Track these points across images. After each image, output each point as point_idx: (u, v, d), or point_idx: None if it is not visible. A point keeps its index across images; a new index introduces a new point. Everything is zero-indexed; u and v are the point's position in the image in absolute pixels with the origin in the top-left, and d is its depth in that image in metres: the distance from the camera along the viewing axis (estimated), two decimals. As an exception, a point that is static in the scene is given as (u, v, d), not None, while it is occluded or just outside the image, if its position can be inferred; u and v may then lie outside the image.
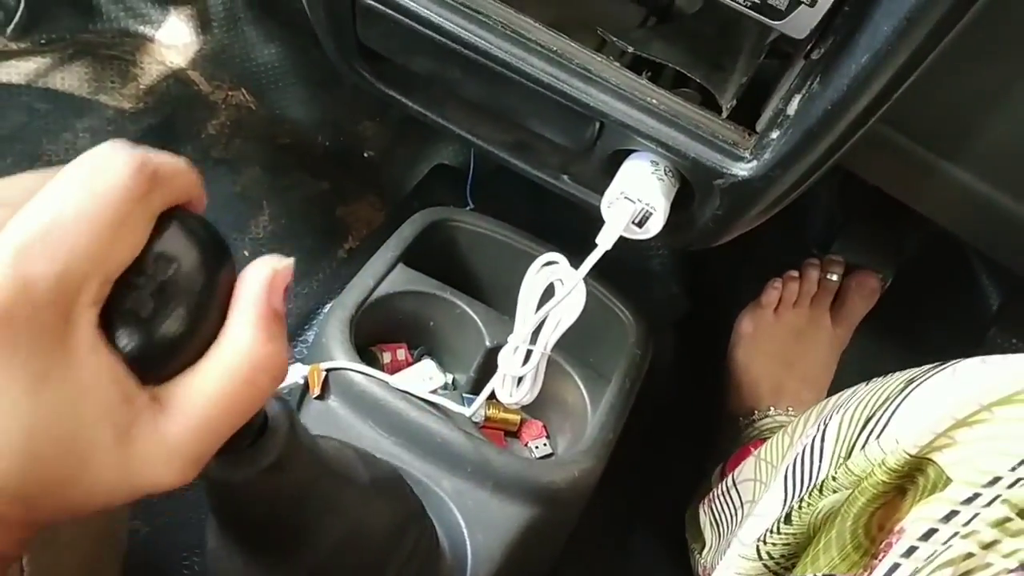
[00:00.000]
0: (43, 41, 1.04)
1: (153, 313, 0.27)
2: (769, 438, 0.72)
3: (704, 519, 0.76)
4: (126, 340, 0.27)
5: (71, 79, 1.02)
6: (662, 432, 0.97)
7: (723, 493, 0.73)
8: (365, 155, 1.09)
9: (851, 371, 0.97)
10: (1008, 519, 0.39)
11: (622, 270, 0.92)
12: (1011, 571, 0.37)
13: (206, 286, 0.28)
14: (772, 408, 0.92)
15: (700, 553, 0.76)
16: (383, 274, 0.75)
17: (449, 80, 0.59)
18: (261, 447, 0.35)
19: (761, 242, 0.95)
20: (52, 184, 0.26)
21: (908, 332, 1.00)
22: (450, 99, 0.65)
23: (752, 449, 0.80)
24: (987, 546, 0.39)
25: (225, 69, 1.09)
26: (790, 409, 0.92)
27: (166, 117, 1.04)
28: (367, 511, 0.48)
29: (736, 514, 0.69)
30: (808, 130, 0.49)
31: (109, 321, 0.27)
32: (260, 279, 0.30)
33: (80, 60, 1.04)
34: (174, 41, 1.09)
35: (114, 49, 1.06)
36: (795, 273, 0.99)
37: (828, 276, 1.00)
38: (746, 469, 0.71)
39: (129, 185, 0.26)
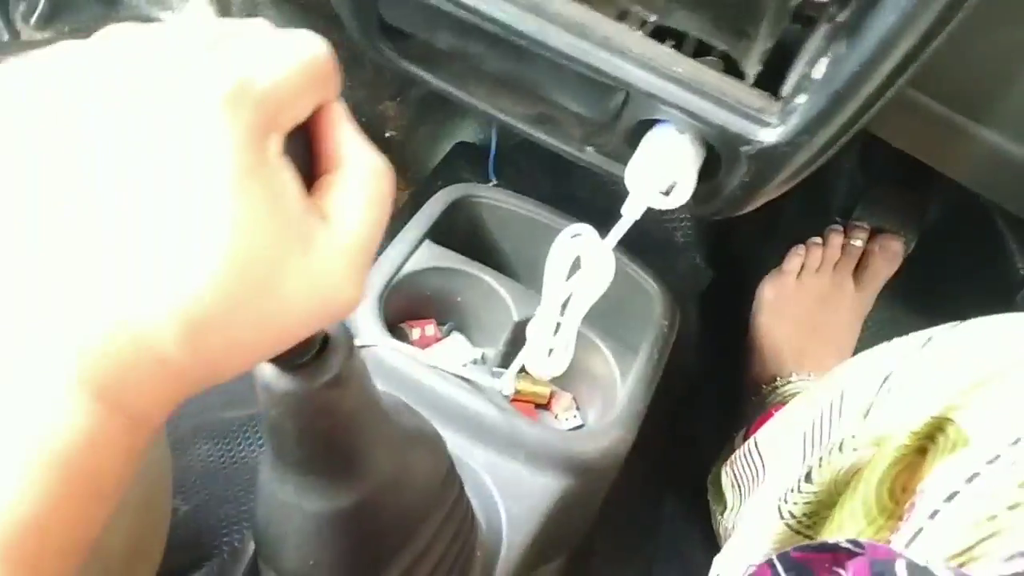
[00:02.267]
0: (66, 30, 1.05)
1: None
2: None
3: (726, 480, 0.77)
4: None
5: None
6: (688, 401, 0.98)
7: (746, 455, 0.73)
8: (387, 135, 1.10)
9: (875, 337, 0.96)
10: None
11: (645, 242, 0.92)
12: None
13: None
14: (795, 374, 0.92)
15: (722, 515, 0.77)
16: (409, 252, 0.75)
17: (472, 55, 0.60)
18: (325, 360, 0.37)
19: (783, 210, 0.95)
20: (284, 33, 0.29)
21: (934, 298, 1.00)
22: (473, 74, 0.65)
23: (775, 412, 0.80)
24: (1012, 507, 0.39)
25: (246, 53, 1.09)
26: (812, 375, 0.92)
27: (188, 102, 1.04)
28: (412, 456, 0.49)
29: (758, 475, 0.70)
30: (835, 93, 0.49)
31: None
32: (344, 110, 0.32)
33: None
34: (194, 27, 1.10)
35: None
36: (818, 239, 0.99)
37: (852, 241, 0.99)
38: (768, 430, 0.71)
39: (331, 69, 0.29)
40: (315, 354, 0.37)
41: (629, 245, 0.73)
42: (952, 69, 0.55)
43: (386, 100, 1.09)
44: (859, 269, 0.99)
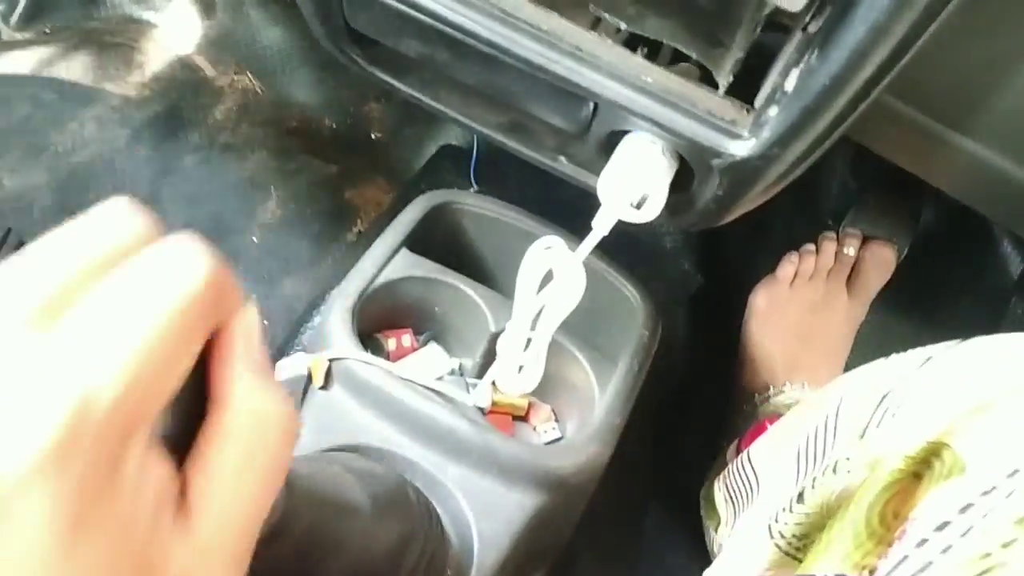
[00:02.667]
0: (47, 31, 1.04)
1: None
2: (785, 414, 0.71)
3: (719, 496, 0.75)
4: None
5: (76, 68, 1.02)
6: (676, 411, 0.96)
7: (738, 469, 0.71)
8: (372, 137, 1.08)
9: (869, 345, 0.95)
10: None
11: (634, 248, 0.91)
12: None
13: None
14: (788, 384, 0.91)
15: (715, 530, 0.75)
16: (385, 260, 0.74)
17: (439, 63, 0.58)
18: None
19: (774, 215, 0.93)
20: (148, 260, 0.23)
21: (928, 304, 0.98)
22: (443, 82, 0.63)
23: (768, 425, 0.79)
24: (1006, 545, 0.37)
25: (230, 53, 1.08)
26: (806, 385, 0.90)
27: (172, 104, 1.03)
28: (371, 537, 0.47)
29: (752, 490, 0.68)
30: (806, 106, 0.47)
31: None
32: (240, 333, 0.26)
33: (84, 49, 1.03)
34: (178, 26, 1.08)
35: (118, 36, 1.06)
36: (812, 247, 0.97)
37: (845, 250, 0.98)
38: (761, 444, 0.69)
39: (214, 296, 0.24)
40: None
41: (616, 251, 0.71)
42: (933, 79, 0.53)
43: (371, 101, 1.08)
44: (851, 277, 0.98)
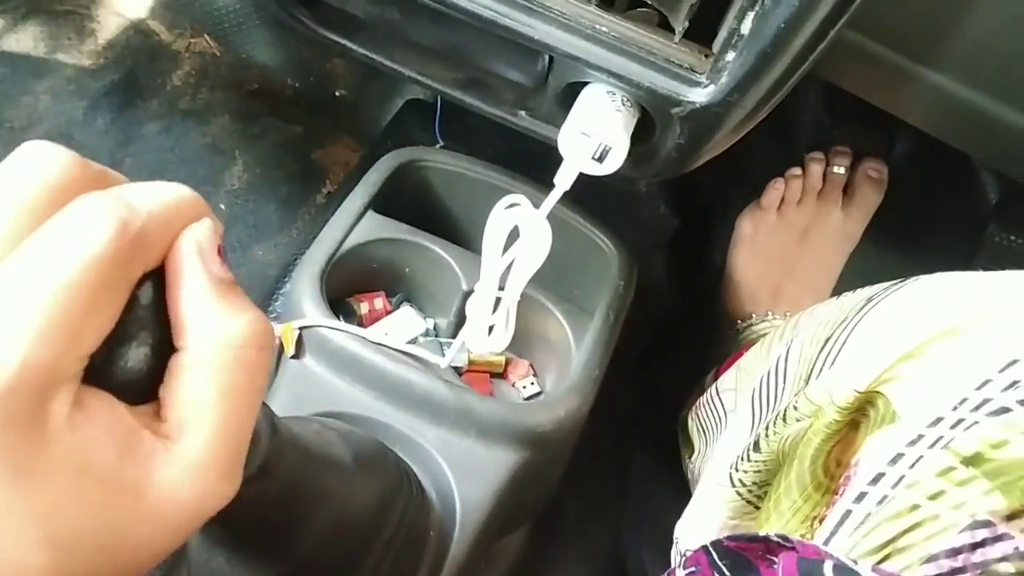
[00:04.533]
0: (-8, 3, 1.01)
1: (134, 353, 0.26)
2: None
3: (692, 425, 0.75)
4: (113, 381, 0.26)
5: (26, 40, 0.99)
6: (658, 354, 0.96)
7: (709, 400, 0.71)
8: (337, 94, 1.06)
9: (850, 276, 0.93)
10: (952, 468, 0.37)
11: (608, 193, 0.89)
12: (962, 529, 0.35)
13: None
14: (770, 313, 0.89)
15: (690, 459, 0.75)
16: (351, 224, 0.72)
17: (389, 22, 0.56)
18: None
19: (748, 151, 0.91)
20: (14, 262, 0.23)
21: (906, 232, 0.97)
22: (397, 40, 0.61)
23: (744, 352, 0.77)
24: (933, 496, 0.37)
25: (185, 15, 1.05)
26: (788, 314, 0.88)
27: (128, 71, 1.00)
28: (353, 492, 0.47)
29: (720, 423, 0.68)
30: (763, 50, 0.46)
31: (95, 371, 0.25)
32: (186, 257, 0.26)
33: (33, 19, 1.00)
34: (130, -10, 1.05)
35: (68, 3, 1.03)
36: (797, 170, 0.92)
37: (834, 169, 0.93)
38: (728, 378, 0.69)
39: (106, 256, 0.23)
40: None
41: (589, 200, 0.69)
42: (897, 13, 0.52)
43: (334, 57, 1.05)
44: (845, 196, 0.93)
